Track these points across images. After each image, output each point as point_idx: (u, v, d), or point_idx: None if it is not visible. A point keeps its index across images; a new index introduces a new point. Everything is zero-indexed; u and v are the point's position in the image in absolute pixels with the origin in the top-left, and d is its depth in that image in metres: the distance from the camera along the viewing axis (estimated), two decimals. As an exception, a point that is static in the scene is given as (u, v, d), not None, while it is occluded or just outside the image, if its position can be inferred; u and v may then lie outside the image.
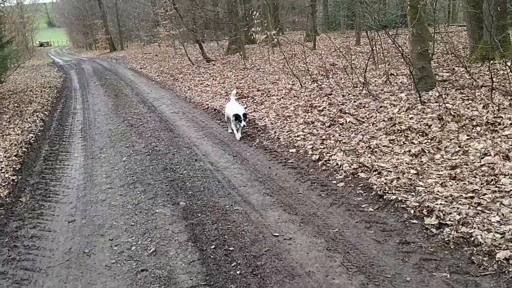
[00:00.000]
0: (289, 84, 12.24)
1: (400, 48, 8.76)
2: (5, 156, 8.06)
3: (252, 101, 11.12)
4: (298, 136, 7.61)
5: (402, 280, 3.49)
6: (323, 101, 9.57)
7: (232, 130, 8.37)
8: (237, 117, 7.90)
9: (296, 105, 9.68)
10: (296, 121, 8.51)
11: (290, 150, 7.06)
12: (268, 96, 11.23)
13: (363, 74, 9.83)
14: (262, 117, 9.31)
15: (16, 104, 14.14)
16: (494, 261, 3.51)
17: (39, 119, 11.73)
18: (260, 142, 7.76)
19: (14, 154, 8.20)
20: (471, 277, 3.41)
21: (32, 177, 7.14)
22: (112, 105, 13.33)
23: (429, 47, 9.34)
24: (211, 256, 4.16)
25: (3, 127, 10.75)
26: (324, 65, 13.04)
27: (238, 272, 3.86)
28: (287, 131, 8.00)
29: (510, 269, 3.39)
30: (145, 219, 5.18)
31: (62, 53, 58.12)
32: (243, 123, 7.87)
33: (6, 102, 14.69)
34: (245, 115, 8.01)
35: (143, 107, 12.45)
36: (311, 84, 11.57)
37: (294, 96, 10.61)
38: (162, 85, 16.98)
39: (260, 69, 16.22)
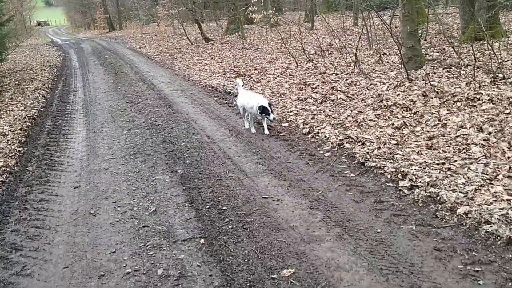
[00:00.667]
0: (285, 63, 12.57)
1: (390, 28, 9.07)
2: (10, 130, 8.46)
3: (249, 79, 11.46)
4: (291, 111, 8.01)
5: (373, 232, 3.94)
6: (317, 79, 9.92)
7: (249, 125, 7.41)
8: (263, 109, 6.67)
9: (291, 83, 10.05)
10: (290, 98, 8.90)
11: (283, 124, 7.47)
12: (265, 75, 11.58)
13: (355, 54, 10.15)
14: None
15: (17, 82, 14.45)
16: (455, 215, 3.97)
17: (41, 96, 12.09)
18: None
19: (19, 128, 8.60)
20: (433, 228, 3.87)
21: (37, 149, 7.55)
22: (112, 83, 13.67)
23: (420, 27, 9.65)
24: (206, 214, 4.61)
25: (6, 103, 11.11)
26: (320, 45, 13.34)
27: (230, 226, 4.31)
28: (281, 107, 8.39)
29: (467, 222, 3.84)
30: (146, 184, 5.61)
31: (60, 32, 57.93)
32: (272, 115, 6.70)
33: (7, 80, 15.00)
34: (271, 106, 6.85)
35: (143, 85, 12.79)
36: (307, 63, 11.90)
37: (290, 75, 10.97)
38: (161, 64, 17.28)
39: (258, 49, 16.50)
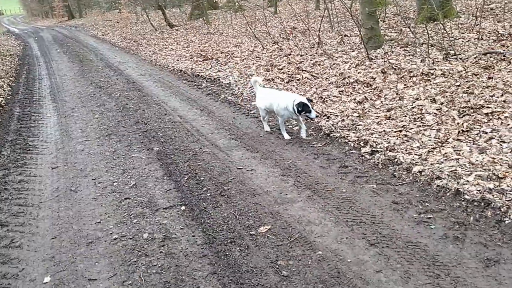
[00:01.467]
0: (251, 46, 12.83)
1: (350, 10, 9.50)
2: (-22, 117, 8.39)
3: (217, 62, 11.69)
4: (259, 91, 8.33)
5: (339, 192, 4.36)
6: (283, 60, 10.27)
7: (272, 128, 6.35)
8: (304, 107, 5.48)
9: (258, 64, 10.36)
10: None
11: (252, 103, 7.79)
12: (232, 58, 11.82)
13: (318, 35, 10.55)
14: (226, 76, 9.96)
15: (-22, 71, 14.09)
16: (411, 174, 4.44)
17: (6, 84, 11.89)
18: (225, 97, 8.45)
19: (-13, 115, 8.54)
20: (392, 186, 4.33)
21: (9, 134, 7.58)
22: (78, 70, 13.57)
23: (378, 9, 10.13)
24: (185, 185, 4.90)
25: (-31, 92, 10.90)
26: (284, 29, 13.68)
27: (208, 194, 4.63)
28: (250, 87, 8.70)
29: (421, 178, 4.31)
30: (123, 162, 5.83)
31: (16, 21, 55.78)
32: (313, 113, 5.52)
33: (-34, 70, 14.58)
34: (311, 101, 5.74)
35: (110, 71, 12.79)
36: (272, 46, 12.21)
37: (256, 57, 11.26)
38: (126, 50, 17.18)
39: (224, 34, 16.66)
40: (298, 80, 8.54)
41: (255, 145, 5.89)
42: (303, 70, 9.05)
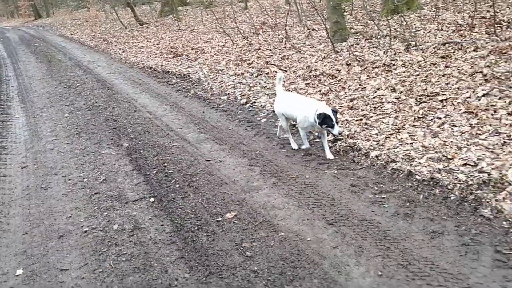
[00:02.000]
0: (221, 42, 12.96)
1: (314, 4, 9.73)
2: None
3: (187, 58, 11.77)
4: (229, 85, 8.51)
5: (303, 178, 4.57)
6: (252, 55, 10.45)
7: (304, 141, 5.32)
8: (324, 119, 4.61)
9: (228, 60, 10.51)
10: (227, 73, 9.38)
11: (222, 97, 7.95)
12: (202, 53, 11.93)
13: (285, 30, 10.77)
14: (196, 72, 10.08)
15: None
16: (368, 159, 4.69)
17: (-29, 86, 11.69)
18: (195, 93, 8.57)
19: (-47, 117, 8.43)
20: (351, 170, 4.57)
21: (-23, 136, 7.51)
22: (46, 70, 13.42)
23: (344, 2, 10.40)
24: (154, 178, 5.04)
25: None
26: (254, 24, 13.85)
27: (177, 185, 4.78)
28: (219, 82, 8.86)
29: (378, 162, 4.57)
30: (93, 159, 5.91)
31: (-20, 22, 54.11)
32: (337, 128, 4.61)
33: None
34: (336, 113, 4.74)
35: (79, 70, 12.71)
36: (242, 41, 12.37)
37: (226, 52, 11.41)
38: (95, 49, 17.04)
39: (194, 30, 16.71)
40: (267, 74, 8.73)
41: (223, 138, 6.05)
42: (271, 64, 9.25)
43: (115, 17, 22.92)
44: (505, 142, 4.44)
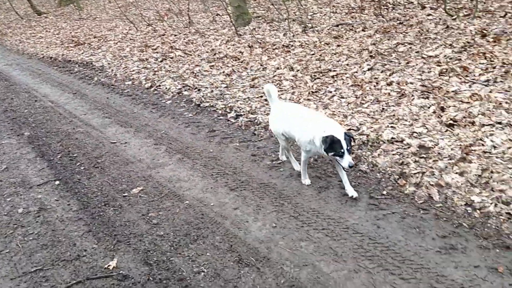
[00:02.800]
0: (125, 29, 12.70)
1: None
2: None
3: (89, 47, 11.40)
4: (133, 71, 8.47)
5: (207, 152, 4.83)
6: (157, 41, 10.43)
7: (303, 174, 4.00)
8: (332, 144, 3.44)
9: (132, 46, 10.38)
10: (131, 59, 9.30)
11: (126, 83, 7.91)
12: (105, 41, 11.62)
13: (188, 15, 10.87)
14: (100, 59, 9.84)
15: None
16: (267, 131, 5.07)
17: None
18: (98, 80, 8.41)
19: None
20: (252, 142, 4.92)
21: None
22: None
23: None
24: (58, 162, 4.98)
25: None
26: (159, 11, 13.71)
27: (82, 168, 4.78)
28: (123, 68, 8.77)
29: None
30: (-9, 149, 5.65)
31: None
32: (347, 159, 3.40)
33: None
34: (350, 139, 3.53)
35: (-31, 62, 11.74)
36: (146, 28, 12.24)
37: (130, 39, 11.24)
38: (-13, 40, 15.76)
39: (97, 18, 16.12)
40: (171, 58, 8.81)
41: (129, 121, 6.10)
42: (176, 49, 9.34)
43: (10, 7, 21.24)
44: (383, 109, 5.06)
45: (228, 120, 5.60)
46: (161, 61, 8.78)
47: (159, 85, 7.36)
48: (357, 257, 3.02)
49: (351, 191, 3.67)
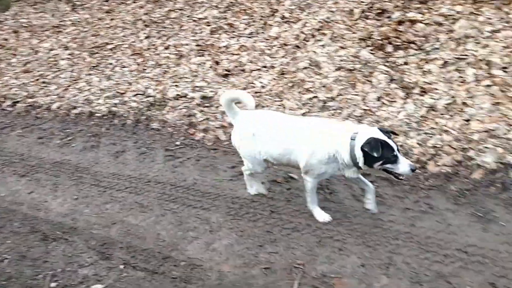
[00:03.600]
0: None
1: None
2: None
3: None
4: None
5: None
6: None
7: (312, 201, 2.99)
8: (384, 150, 2.59)
9: None
10: None
11: None
12: None
13: None
14: None
15: None
16: (51, 111, 4.87)
17: None
18: None
19: None
20: (36, 126, 4.71)
21: None
22: None
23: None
24: None
25: None
26: None
27: None
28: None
29: (60, 112, 4.82)
30: None
31: None
32: (405, 163, 2.63)
33: None
34: (389, 134, 2.73)
35: None
36: None
37: None
38: None
39: None
40: None
41: None
42: None
43: None
44: (165, 71, 5.35)
45: (4, 110, 5.15)
46: None
47: None
48: (161, 203, 3.28)
49: (373, 206, 2.98)
